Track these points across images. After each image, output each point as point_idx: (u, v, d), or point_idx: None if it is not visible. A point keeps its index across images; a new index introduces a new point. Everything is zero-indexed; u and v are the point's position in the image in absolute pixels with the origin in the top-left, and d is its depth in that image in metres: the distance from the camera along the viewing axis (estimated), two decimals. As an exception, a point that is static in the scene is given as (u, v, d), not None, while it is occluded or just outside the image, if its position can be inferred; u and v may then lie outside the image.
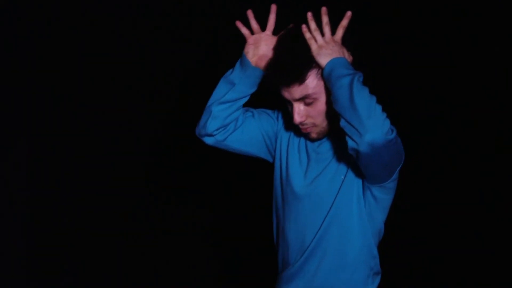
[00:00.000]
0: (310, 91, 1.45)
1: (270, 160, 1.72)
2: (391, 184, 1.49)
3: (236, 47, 1.62)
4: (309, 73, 1.44)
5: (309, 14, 1.46)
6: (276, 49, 1.50)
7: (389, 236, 1.63)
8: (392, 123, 1.33)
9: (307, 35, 1.45)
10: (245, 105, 1.64)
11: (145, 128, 3.41)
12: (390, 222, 1.59)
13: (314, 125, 1.50)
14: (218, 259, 3.59)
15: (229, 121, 1.60)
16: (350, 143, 1.33)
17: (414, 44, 3.40)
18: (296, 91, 1.45)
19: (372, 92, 1.36)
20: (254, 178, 1.97)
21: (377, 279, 1.59)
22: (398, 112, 3.37)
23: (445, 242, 3.35)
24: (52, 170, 3.17)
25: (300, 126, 1.51)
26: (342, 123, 1.35)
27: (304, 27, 1.46)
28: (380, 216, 1.55)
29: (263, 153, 1.71)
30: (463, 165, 3.32)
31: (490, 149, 3.24)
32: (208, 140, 1.63)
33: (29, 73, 3.06)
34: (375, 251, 1.56)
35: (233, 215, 3.53)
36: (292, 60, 1.44)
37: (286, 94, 1.48)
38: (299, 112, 1.48)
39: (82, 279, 3.26)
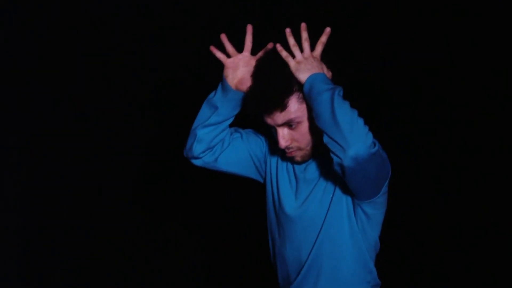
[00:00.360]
0: (292, 116, 1.45)
1: (261, 180, 1.75)
2: (381, 199, 1.50)
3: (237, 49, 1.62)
4: (290, 99, 1.44)
5: (288, 30, 1.46)
6: (254, 76, 1.50)
7: (388, 244, 1.63)
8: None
9: (283, 54, 1.46)
10: (232, 124, 1.64)
11: (145, 129, 3.42)
12: (390, 228, 1.59)
13: (299, 148, 1.51)
14: (214, 265, 3.60)
15: (215, 143, 1.62)
16: (335, 159, 1.34)
17: (414, 44, 3.40)
18: (279, 117, 1.46)
19: (357, 104, 1.36)
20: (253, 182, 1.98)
21: None
22: (398, 112, 3.39)
23: (445, 248, 3.35)
24: (49, 170, 3.17)
25: (286, 150, 1.52)
26: (325, 139, 1.35)
27: (278, 46, 1.46)
28: (373, 231, 1.56)
29: (253, 174, 1.74)
30: (463, 167, 3.32)
31: (490, 150, 3.23)
32: (196, 162, 1.67)
33: (29, 73, 3.05)
34: (371, 266, 1.58)
35: (231, 221, 3.53)
36: (271, 88, 1.43)
37: (269, 120, 1.48)
38: (284, 136, 1.48)
39: (78, 280, 3.27)
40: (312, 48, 1.48)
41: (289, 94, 1.44)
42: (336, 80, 1.48)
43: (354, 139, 1.29)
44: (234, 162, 1.68)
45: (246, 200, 3.04)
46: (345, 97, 1.39)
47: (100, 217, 3.31)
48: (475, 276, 3.20)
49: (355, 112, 1.34)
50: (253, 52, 1.57)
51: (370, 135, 1.32)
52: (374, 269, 1.58)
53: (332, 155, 1.35)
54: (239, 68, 1.54)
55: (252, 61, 1.54)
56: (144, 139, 3.42)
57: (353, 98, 1.41)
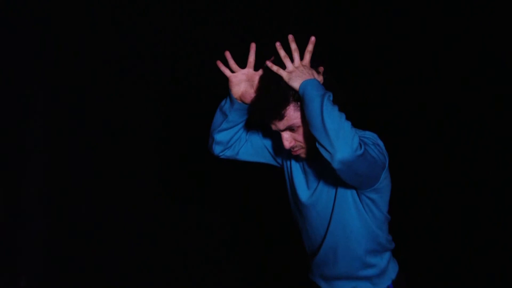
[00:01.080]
0: (292, 122, 1.63)
1: (278, 165, 1.94)
2: (382, 184, 1.65)
3: (239, 49, 1.72)
4: (287, 109, 1.61)
5: (278, 44, 1.62)
6: (256, 91, 1.70)
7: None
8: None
9: (274, 68, 1.61)
10: None
11: (156, 127, 3.45)
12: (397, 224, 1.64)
13: (302, 147, 1.68)
14: (232, 258, 3.62)
15: (231, 143, 1.85)
16: (326, 162, 1.48)
17: (414, 44, 3.41)
18: (280, 124, 1.64)
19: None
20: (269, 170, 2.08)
21: (387, 254, 1.80)
22: (398, 112, 3.39)
23: (445, 249, 3.35)
24: (67, 171, 3.22)
25: (291, 150, 1.69)
26: (317, 144, 1.50)
27: (268, 63, 1.63)
28: (381, 210, 1.72)
29: (271, 161, 1.94)
30: (463, 167, 3.33)
31: (490, 150, 3.24)
32: (220, 157, 1.90)
33: (29, 73, 3.07)
34: (381, 239, 1.75)
35: (247, 211, 3.57)
36: (269, 102, 1.61)
37: (273, 126, 1.66)
38: (287, 139, 1.66)
39: (93, 277, 3.29)
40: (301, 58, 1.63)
41: (285, 105, 1.60)
42: (328, 84, 1.61)
43: (340, 145, 1.43)
44: (253, 154, 1.90)
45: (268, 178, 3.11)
46: (344, 99, 1.52)
47: (112, 215, 3.35)
48: (475, 276, 3.21)
49: (343, 117, 1.47)
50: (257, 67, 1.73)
51: (356, 138, 1.45)
52: (383, 240, 1.76)
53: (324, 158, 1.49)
54: (242, 82, 1.72)
55: (255, 76, 1.72)
56: (156, 136, 3.47)
57: (353, 98, 1.44)
